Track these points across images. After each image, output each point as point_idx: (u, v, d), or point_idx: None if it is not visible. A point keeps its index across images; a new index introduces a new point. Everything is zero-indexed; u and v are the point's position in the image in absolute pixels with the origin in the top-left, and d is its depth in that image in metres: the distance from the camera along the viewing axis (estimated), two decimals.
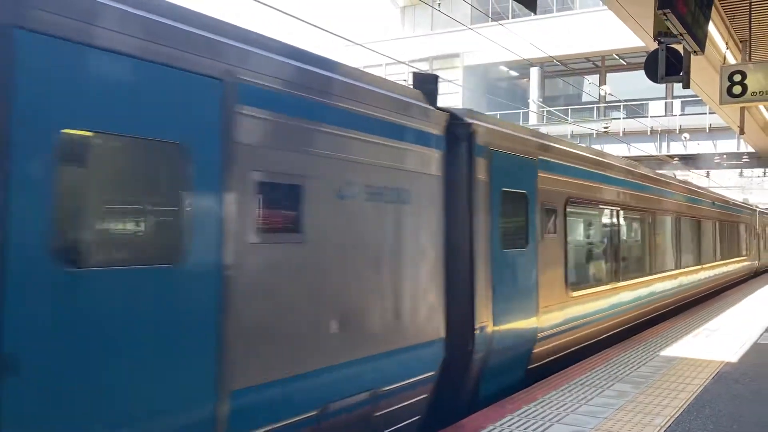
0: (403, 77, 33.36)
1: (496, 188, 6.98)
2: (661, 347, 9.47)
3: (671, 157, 33.63)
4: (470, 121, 6.64)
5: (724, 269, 20.82)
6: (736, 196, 36.06)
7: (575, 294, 8.90)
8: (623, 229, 11.91)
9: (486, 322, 6.57)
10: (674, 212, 15.08)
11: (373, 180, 5.17)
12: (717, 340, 10.14)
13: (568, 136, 32.48)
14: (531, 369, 7.84)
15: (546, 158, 8.34)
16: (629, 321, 11.57)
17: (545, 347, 8.01)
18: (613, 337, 10.53)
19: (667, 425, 5.71)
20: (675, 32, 7.40)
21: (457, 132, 6.51)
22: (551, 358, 8.29)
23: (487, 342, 6.58)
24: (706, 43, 8.76)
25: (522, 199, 7.69)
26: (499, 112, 31.47)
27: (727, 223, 21.74)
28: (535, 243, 7.79)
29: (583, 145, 20.05)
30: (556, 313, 8.26)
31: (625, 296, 11.04)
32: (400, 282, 5.53)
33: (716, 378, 7.56)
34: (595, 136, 32.73)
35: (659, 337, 10.38)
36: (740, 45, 12.75)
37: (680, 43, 8.19)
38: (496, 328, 6.76)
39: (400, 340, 5.43)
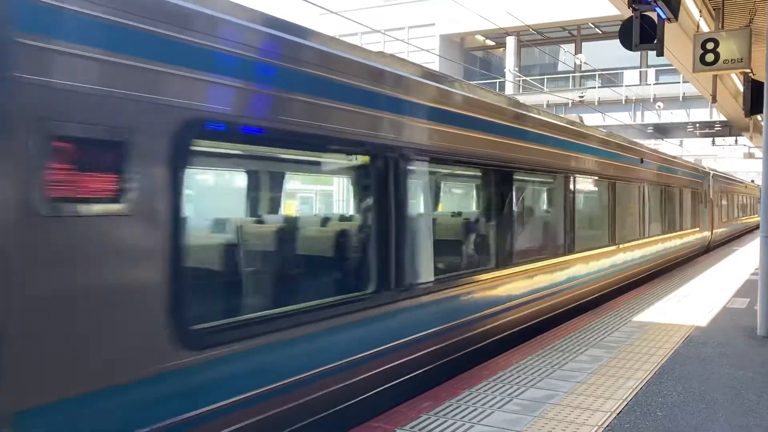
0: (380, 46, 33.00)
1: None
2: (634, 313, 9.65)
3: (645, 126, 33.90)
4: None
5: (660, 247, 15.83)
6: (710, 165, 34.70)
7: None
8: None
9: None
10: (570, 171, 10.02)
11: None
12: (688, 306, 10.35)
13: (544, 106, 32.52)
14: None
15: None
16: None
17: None
18: None
19: (639, 387, 5.84)
20: None
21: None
22: None
23: None
24: (680, 11, 8.78)
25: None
26: (475, 82, 31.38)
27: (667, 188, 16.57)
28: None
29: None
30: None
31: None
32: None
33: (686, 342, 7.73)
34: (570, 105, 32.84)
35: (632, 303, 10.57)
36: (713, 13, 12.80)
37: (654, 11, 8.20)
38: None
39: None
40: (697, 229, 20.75)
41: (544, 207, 10.80)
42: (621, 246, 12.44)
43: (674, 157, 19.44)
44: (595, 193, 12.13)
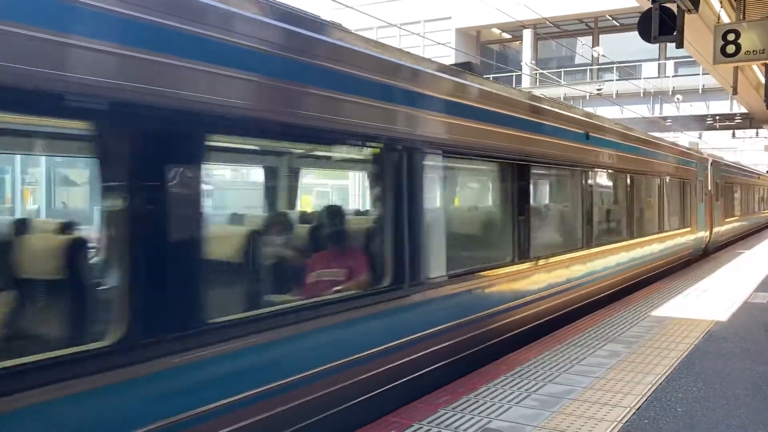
0: (395, 41, 32.92)
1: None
2: (653, 308, 9.56)
3: (664, 118, 33.57)
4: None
5: (617, 260, 10.92)
6: (729, 158, 33.14)
7: None
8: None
9: None
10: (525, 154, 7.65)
11: None
12: (708, 300, 10.24)
13: (561, 99, 32.29)
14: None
15: None
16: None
17: None
18: None
19: (658, 383, 5.79)
20: None
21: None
22: None
23: None
24: (700, 2, 8.66)
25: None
26: (491, 75, 31.22)
27: (637, 177, 12.35)
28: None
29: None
30: None
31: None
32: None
33: (706, 337, 7.65)
34: (587, 98, 32.58)
35: (650, 298, 10.47)
36: (734, 3, 12.61)
37: (674, 2, 8.10)
38: None
39: None
40: (689, 229, 16.12)
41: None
42: (534, 264, 7.90)
43: (651, 137, 14.17)
44: (568, 185, 9.66)
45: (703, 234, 17.95)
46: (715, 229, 19.84)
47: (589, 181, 9.83)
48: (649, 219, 13.25)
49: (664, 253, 14.07)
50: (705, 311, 9.30)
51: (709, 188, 18.96)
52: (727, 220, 22.10)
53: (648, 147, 13.17)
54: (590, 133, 9.68)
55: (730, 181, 23.15)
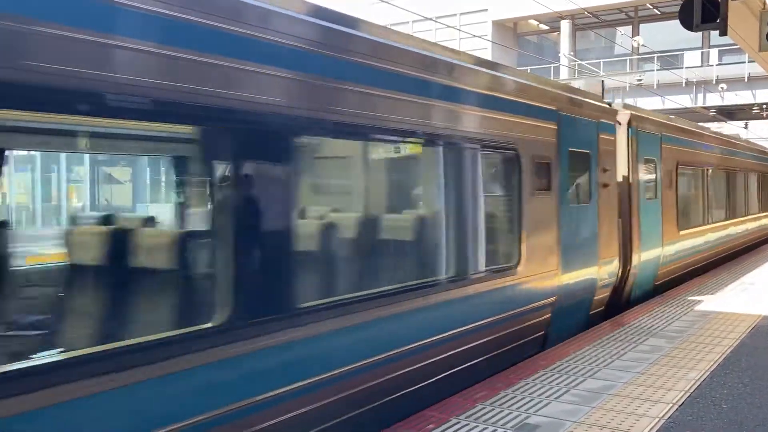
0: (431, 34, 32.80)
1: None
2: (696, 301, 9.35)
3: (707, 108, 32.77)
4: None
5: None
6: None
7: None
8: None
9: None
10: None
11: None
12: (754, 294, 9.97)
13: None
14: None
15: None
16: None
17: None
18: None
19: (702, 378, 5.67)
20: None
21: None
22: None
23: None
24: None
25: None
26: (529, 68, 30.87)
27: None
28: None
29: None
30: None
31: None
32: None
33: (753, 332, 7.46)
34: (628, 89, 31.98)
35: (694, 292, 10.25)
36: None
37: None
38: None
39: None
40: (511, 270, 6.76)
41: None
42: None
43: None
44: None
45: (611, 269, 8.92)
46: (646, 255, 10.06)
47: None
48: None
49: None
50: (751, 305, 9.06)
51: (633, 180, 9.70)
52: (683, 232, 11.94)
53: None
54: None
55: (688, 160, 12.72)
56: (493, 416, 4.77)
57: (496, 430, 4.52)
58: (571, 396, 5.22)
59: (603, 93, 9.74)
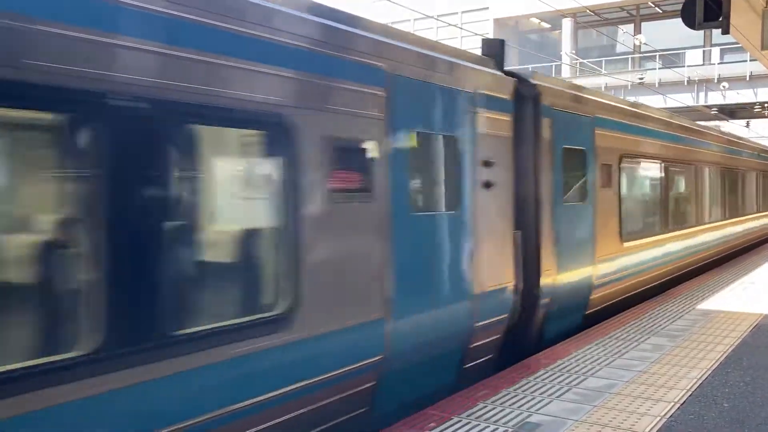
0: (432, 32, 32.78)
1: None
2: (698, 301, 9.35)
3: (709, 107, 32.73)
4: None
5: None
6: None
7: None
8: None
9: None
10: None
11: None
12: (755, 293, 9.97)
13: (602, 88, 31.76)
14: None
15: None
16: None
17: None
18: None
19: (703, 377, 5.66)
20: None
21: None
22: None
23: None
24: None
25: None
26: (531, 65, 30.83)
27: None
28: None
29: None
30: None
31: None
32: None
33: (754, 330, 7.45)
34: (629, 87, 31.94)
35: (695, 291, 10.24)
36: None
37: None
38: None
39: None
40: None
41: None
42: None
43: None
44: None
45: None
46: (566, 278, 7.57)
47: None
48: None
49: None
50: (752, 304, 9.06)
51: (530, 167, 7.20)
52: (628, 244, 9.33)
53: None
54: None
55: (639, 151, 10.12)
56: (494, 415, 4.78)
57: (498, 428, 4.52)
58: (573, 394, 5.22)
59: (503, 55, 6.97)
